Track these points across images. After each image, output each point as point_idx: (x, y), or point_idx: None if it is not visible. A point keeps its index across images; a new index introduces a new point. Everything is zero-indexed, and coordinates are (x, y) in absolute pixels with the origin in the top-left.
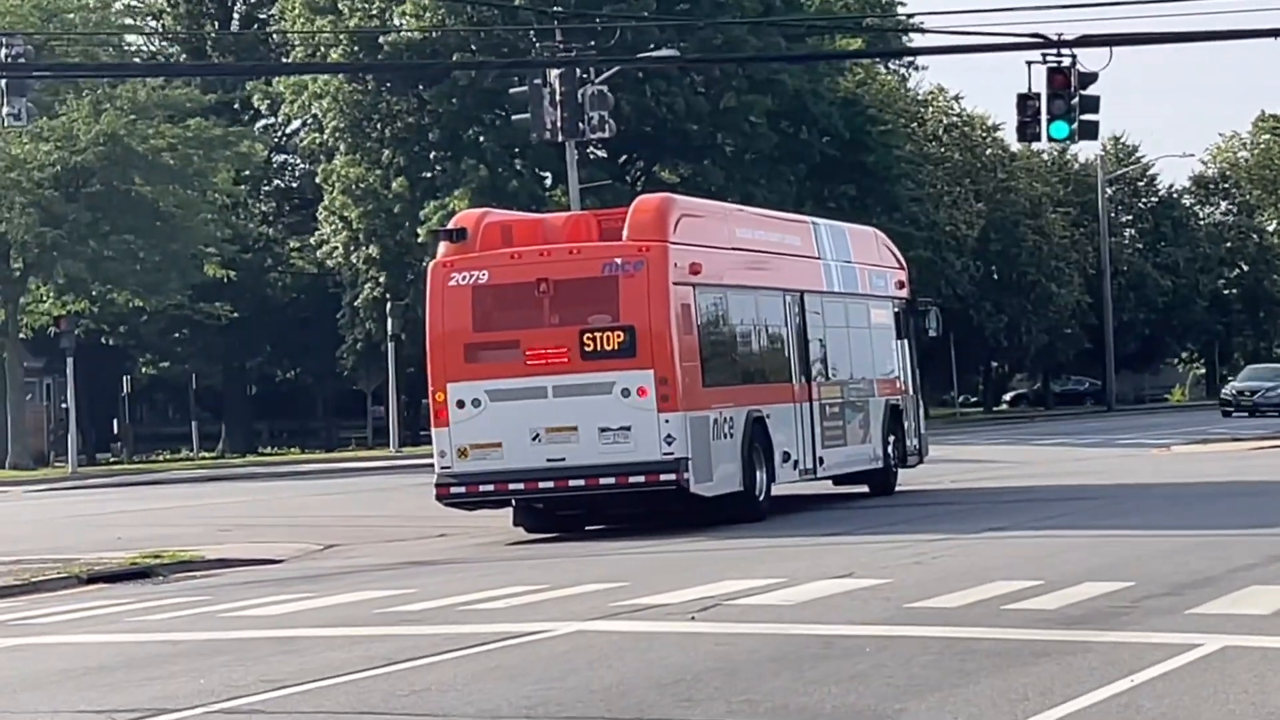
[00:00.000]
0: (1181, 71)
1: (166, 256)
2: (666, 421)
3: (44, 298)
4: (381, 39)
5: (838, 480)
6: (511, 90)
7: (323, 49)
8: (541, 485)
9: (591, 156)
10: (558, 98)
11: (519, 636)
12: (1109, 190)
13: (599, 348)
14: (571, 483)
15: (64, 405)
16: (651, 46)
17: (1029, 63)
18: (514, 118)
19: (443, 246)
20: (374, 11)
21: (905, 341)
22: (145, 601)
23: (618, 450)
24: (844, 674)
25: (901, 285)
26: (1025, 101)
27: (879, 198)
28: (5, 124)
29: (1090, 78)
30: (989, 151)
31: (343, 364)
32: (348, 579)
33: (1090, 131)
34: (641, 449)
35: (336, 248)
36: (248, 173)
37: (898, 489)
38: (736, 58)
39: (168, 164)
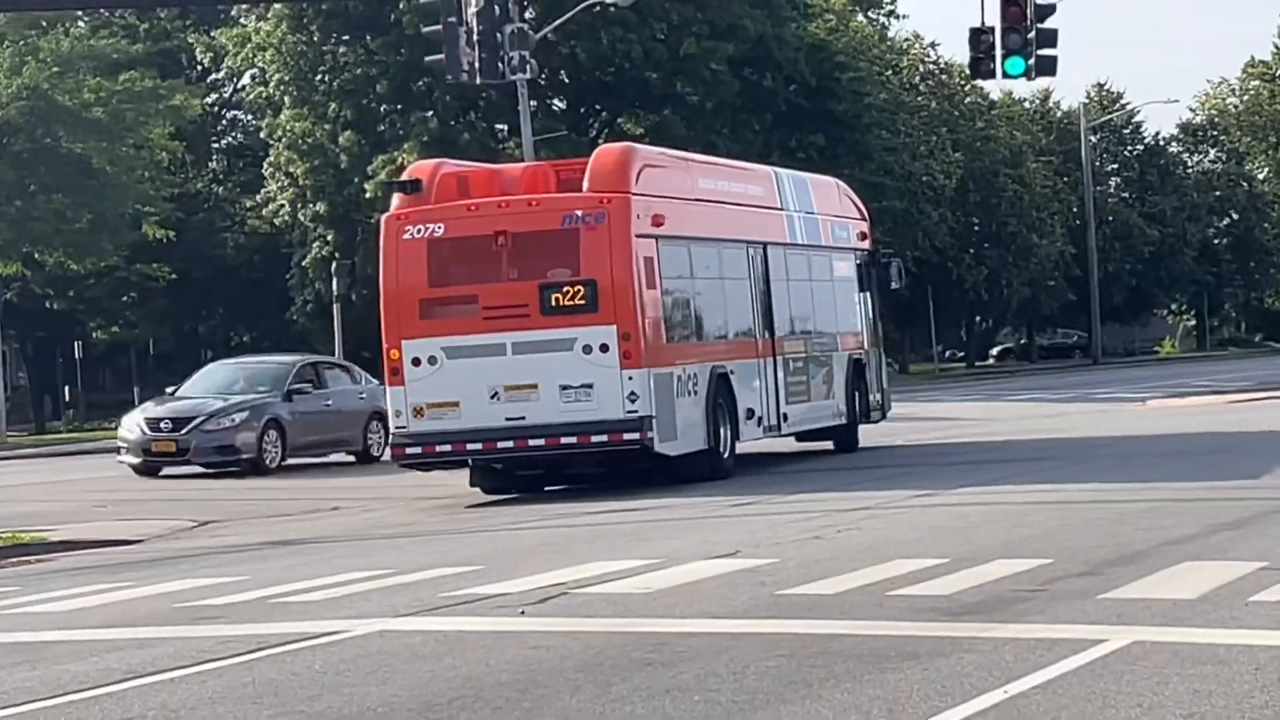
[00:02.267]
0: (1171, 17)
1: (97, 216)
2: (630, 379)
3: None
4: None
5: (800, 437)
6: (425, 29)
7: None
8: (500, 445)
9: (553, 108)
10: (475, 38)
11: (305, 639)
12: (1093, 138)
13: (559, 303)
14: (531, 442)
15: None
16: None
17: None
18: (427, 59)
19: (396, 198)
20: None
21: (868, 294)
22: None
23: (579, 409)
24: (660, 687)
25: (863, 237)
26: (978, 36)
27: (849, 147)
28: None
29: (1048, 9)
30: (968, 100)
31: (295, 326)
32: (188, 563)
33: (1048, 67)
34: (604, 407)
35: (283, 205)
36: (193, 127)
37: (861, 446)
38: None
39: (97, 119)
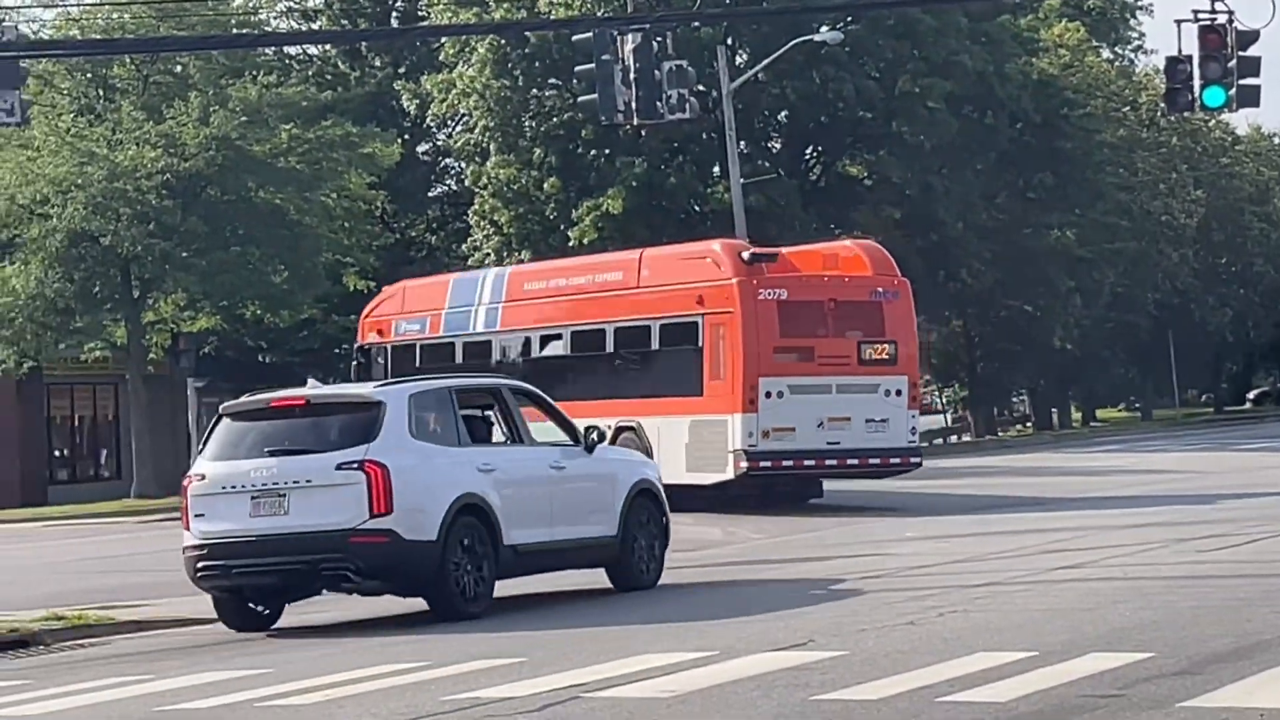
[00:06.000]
0: None
1: (291, 268)
2: (912, 416)
3: (166, 315)
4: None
5: None
6: (578, 68)
7: (471, 43)
8: (826, 463)
9: (769, 149)
10: (631, 76)
11: None
12: None
13: (871, 356)
14: (848, 461)
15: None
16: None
17: (1179, 21)
18: (580, 99)
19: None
20: (522, 2)
21: None
22: None
23: (879, 437)
24: None
25: None
26: (1175, 66)
27: (1079, 186)
28: None
29: (1251, 36)
30: (1213, 135)
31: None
32: (235, 649)
33: (1251, 98)
34: (895, 437)
35: (489, 255)
36: (405, 175)
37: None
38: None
39: (290, 168)
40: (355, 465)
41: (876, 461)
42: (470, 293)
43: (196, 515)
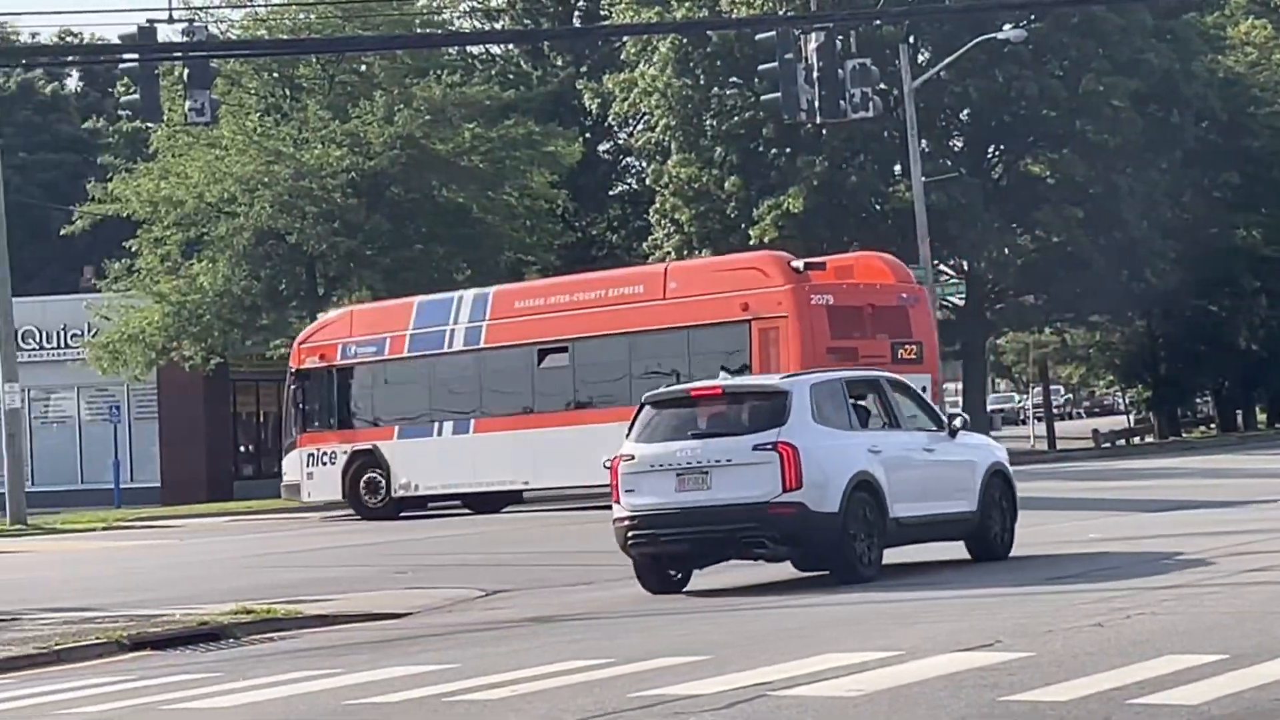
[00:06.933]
0: None
1: (473, 265)
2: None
3: None
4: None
5: None
6: (761, 67)
7: (653, 42)
8: None
9: (951, 148)
10: (814, 75)
11: None
12: None
13: (902, 356)
14: None
15: None
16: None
17: None
18: (763, 98)
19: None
20: (704, 2)
21: None
22: (144, 678)
23: None
24: None
25: None
26: None
27: (1269, 186)
28: (188, 119)
29: None
30: None
31: None
32: (423, 644)
33: None
34: None
35: (669, 253)
36: (586, 174)
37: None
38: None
39: (474, 167)
40: (770, 446)
41: None
42: (442, 314)
43: (626, 490)
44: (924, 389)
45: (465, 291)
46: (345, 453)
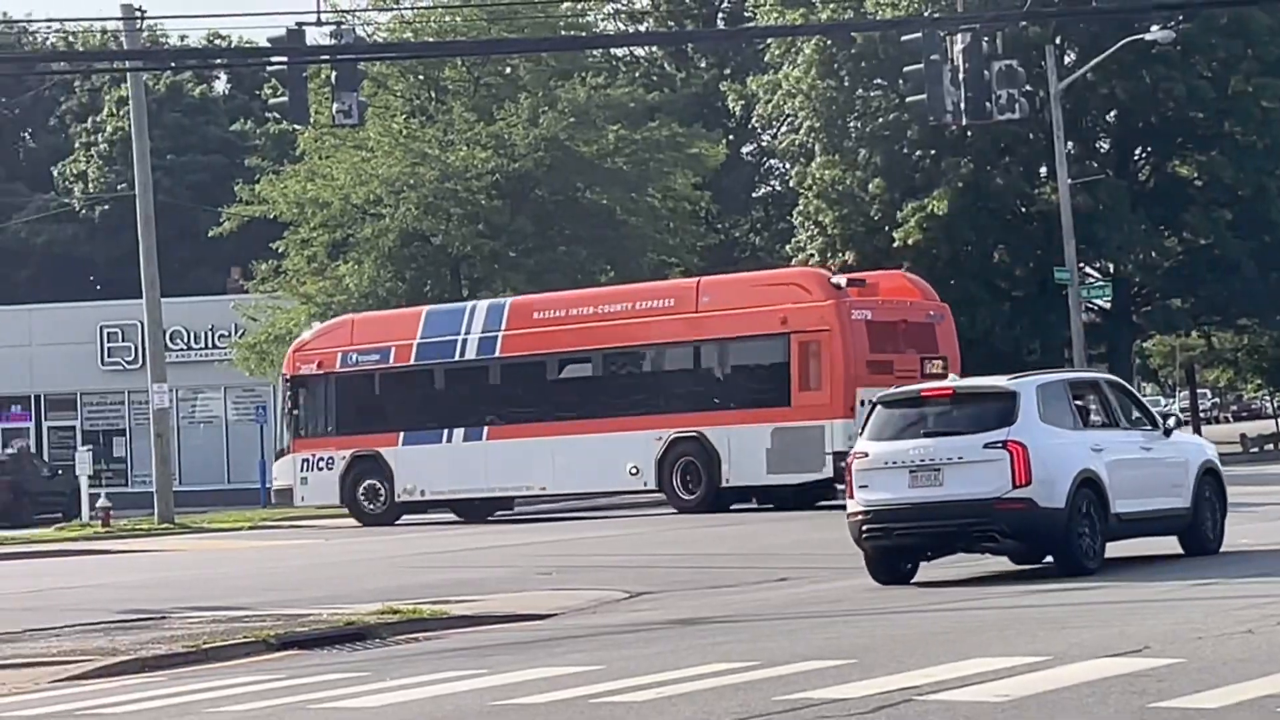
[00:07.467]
0: None
1: (617, 267)
2: None
3: None
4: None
5: None
6: (906, 69)
7: (797, 44)
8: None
9: (1098, 150)
10: (960, 76)
11: None
12: None
13: (930, 370)
14: None
15: None
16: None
17: None
18: (908, 99)
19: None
20: (849, 3)
21: None
22: (292, 678)
23: None
24: None
25: None
26: None
27: None
28: (334, 121)
29: None
30: None
31: None
32: (568, 645)
33: None
34: None
35: (813, 255)
36: (730, 176)
37: None
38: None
39: (618, 169)
40: (1000, 444)
41: None
42: (453, 323)
43: (860, 486)
44: None
45: (478, 302)
46: (344, 458)
